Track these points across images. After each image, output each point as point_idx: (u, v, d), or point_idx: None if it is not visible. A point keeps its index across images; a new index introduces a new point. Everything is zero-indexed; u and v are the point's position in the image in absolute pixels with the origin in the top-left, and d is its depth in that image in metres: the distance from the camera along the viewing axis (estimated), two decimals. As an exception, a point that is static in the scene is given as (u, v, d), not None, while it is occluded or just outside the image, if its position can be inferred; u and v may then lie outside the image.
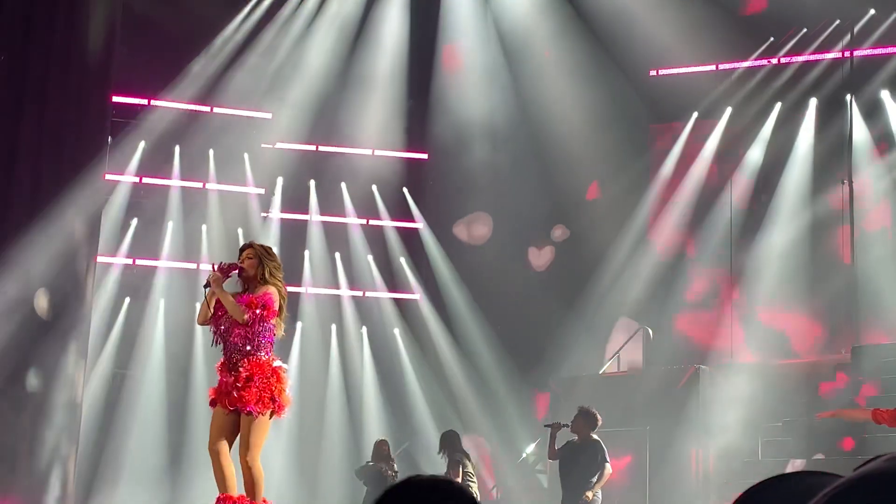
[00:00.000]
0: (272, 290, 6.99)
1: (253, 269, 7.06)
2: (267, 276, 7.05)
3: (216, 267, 7.08)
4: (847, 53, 13.94)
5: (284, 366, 7.26)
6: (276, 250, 7.61)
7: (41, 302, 13.01)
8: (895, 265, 13.51)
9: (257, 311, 6.89)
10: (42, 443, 12.99)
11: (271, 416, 7.02)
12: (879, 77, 13.94)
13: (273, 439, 12.69)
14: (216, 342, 7.11)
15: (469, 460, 11.99)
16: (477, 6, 16.07)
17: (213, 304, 7.11)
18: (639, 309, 14.93)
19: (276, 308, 6.99)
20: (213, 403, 7.10)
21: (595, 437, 10.78)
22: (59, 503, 13.07)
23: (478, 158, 16.42)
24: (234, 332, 6.95)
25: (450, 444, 11.96)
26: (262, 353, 6.98)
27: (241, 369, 6.90)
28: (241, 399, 6.87)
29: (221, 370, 7.04)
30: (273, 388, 6.94)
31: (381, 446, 12.92)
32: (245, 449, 6.92)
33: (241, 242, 14.93)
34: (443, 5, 16.03)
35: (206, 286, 7.08)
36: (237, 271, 7.08)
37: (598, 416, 10.81)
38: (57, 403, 13.12)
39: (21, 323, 12.55)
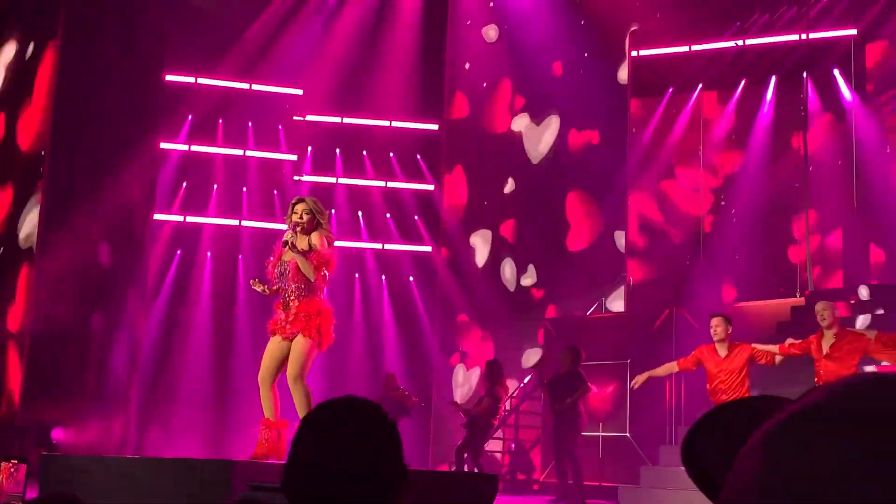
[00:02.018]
0: (322, 241, 6.97)
1: (311, 224, 7.03)
2: (318, 228, 7.05)
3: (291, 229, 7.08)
4: (804, 35, 14.32)
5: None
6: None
7: (105, 255, 13.70)
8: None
9: (326, 275, 7.03)
10: (108, 374, 13.59)
11: (318, 346, 7.04)
12: (831, 57, 14.24)
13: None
14: (273, 285, 7.16)
15: (507, 395, 12.09)
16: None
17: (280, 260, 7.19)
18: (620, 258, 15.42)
19: (331, 257, 7.03)
20: (271, 333, 7.19)
21: (578, 370, 11.70)
22: (124, 425, 13.75)
23: (486, 126, 16.77)
24: (293, 278, 7.05)
25: (495, 373, 12.03)
26: (314, 295, 7.07)
27: (291, 307, 7.05)
28: (291, 324, 7.03)
29: (278, 308, 7.21)
30: (320, 322, 7.00)
31: (388, 380, 13.17)
32: (291, 367, 6.96)
33: (277, 203, 15.23)
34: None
35: (284, 244, 7.02)
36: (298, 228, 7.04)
37: (581, 353, 11.73)
38: (120, 341, 13.71)
39: (87, 272, 13.18)
